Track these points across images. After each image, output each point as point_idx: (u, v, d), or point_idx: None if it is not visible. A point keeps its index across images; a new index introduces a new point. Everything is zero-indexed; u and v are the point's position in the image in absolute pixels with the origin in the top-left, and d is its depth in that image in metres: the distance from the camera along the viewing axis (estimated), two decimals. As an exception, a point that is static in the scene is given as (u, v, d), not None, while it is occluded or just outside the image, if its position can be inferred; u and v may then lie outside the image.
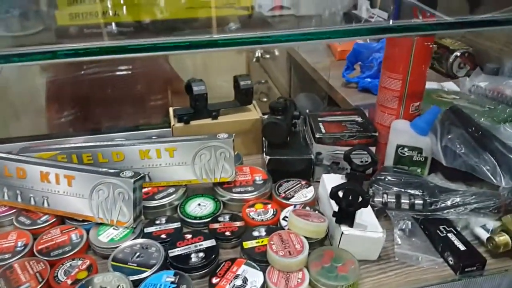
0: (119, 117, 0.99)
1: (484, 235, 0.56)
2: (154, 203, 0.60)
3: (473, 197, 0.58)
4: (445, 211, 0.58)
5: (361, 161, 0.65)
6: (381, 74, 0.67)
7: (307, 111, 0.75)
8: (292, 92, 1.61)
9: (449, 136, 0.62)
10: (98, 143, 0.63)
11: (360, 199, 0.51)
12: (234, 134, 0.63)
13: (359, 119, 0.71)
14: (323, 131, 0.67)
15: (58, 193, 0.57)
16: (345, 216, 0.52)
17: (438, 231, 0.57)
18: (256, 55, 1.91)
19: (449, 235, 0.56)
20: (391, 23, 0.44)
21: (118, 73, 1.10)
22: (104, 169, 0.56)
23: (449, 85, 0.99)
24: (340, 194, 0.52)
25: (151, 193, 0.62)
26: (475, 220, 0.58)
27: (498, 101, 0.79)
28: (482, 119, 0.68)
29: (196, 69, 1.56)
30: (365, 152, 0.58)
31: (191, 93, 0.72)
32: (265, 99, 1.71)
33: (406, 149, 0.63)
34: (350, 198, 0.51)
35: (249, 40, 0.38)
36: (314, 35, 0.40)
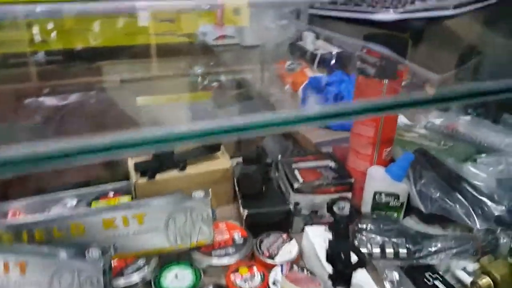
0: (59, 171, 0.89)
1: (466, 278, 0.57)
2: (124, 282, 0.53)
3: (453, 241, 0.59)
4: (429, 258, 0.58)
5: (339, 208, 0.64)
6: (354, 121, 0.67)
7: (279, 157, 0.73)
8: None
9: (422, 181, 0.63)
10: (51, 215, 0.55)
11: (357, 258, 0.49)
12: (210, 190, 0.58)
13: (332, 164, 0.70)
14: (300, 180, 0.65)
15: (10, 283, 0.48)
16: (341, 278, 0.50)
17: (425, 280, 0.57)
18: (204, 82, 1.88)
19: (436, 282, 0.56)
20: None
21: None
22: (63, 251, 0.48)
23: (400, 118, 1.03)
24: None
25: (119, 268, 0.55)
26: (456, 263, 0.59)
27: (454, 138, 0.83)
28: (448, 159, 0.70)
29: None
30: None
31: (156, 144, 0.67)
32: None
33: (383, 195, 0.63)
34: (345, 258, 0.50)
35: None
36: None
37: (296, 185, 0.64)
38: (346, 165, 0.71)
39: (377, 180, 0.63)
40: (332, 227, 0.55)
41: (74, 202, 0.66)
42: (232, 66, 1.76)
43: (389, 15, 0.49)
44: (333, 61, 1.46)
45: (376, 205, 0.64)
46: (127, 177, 0.74)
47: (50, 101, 1.26)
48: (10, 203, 0.62)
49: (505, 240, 0.59)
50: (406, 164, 0.63)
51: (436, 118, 0.90)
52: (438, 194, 0.61)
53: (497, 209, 0.60)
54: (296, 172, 0.67)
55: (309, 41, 1.57)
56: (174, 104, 1.66)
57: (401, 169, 0.63)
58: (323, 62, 1.45)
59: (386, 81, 0.62)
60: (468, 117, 0.89)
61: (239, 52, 1.79)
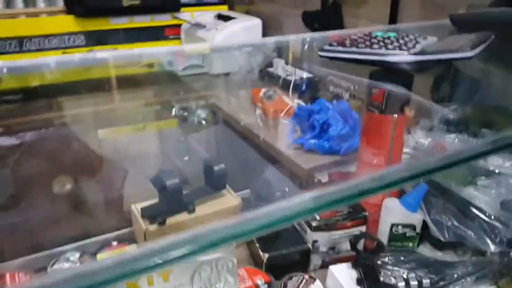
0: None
1: (488, 303, 0.58)
2: None
3: (471, 267, 0.60)
4: (451, 286, 0.59)
5: (350, 241, 0.64)
6: (362, 150, 0.67)
7: (286, 189, 0.72)
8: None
9: (435, 210, 0.64)
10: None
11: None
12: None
13: (341, 195, 0.70)
14: (317, 217, 0.64)
15: None
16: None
17: (451, 309, 0.57)
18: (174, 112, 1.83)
19: (461, 310, 0.57)
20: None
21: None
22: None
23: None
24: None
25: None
26: (475, 288, 0.60)
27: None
28: (450, 183, 0.72)
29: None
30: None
31: (163, 187, 0.63)
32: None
33: (400, 227, 0.64)
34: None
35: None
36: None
37: (314, 223, 0.63)
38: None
39: (393, 212, 0.64)
40: (358, 264, 0.55)
41: (77, 255, 0.61)
42: (201, 94, 1.74)
43: (403, 57, 0.50)
44: (305, 87, 1.49)
45: (393, 237, 0.64)
46: (127, 224, 0.70)
47: (5, 141, 1.18)
48: (7, 264, 0.55)
49: (519, 262, 0.61)
50: (421, 195, 0.64)
51: (423, 139, 0.93)
52: (452, 221, 0.63)
53: (508, 231, 0.62)
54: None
55: (280, 67, 1.59)
56: (140, 134, 1.61)
57: (415, 200, 0.64)
58: (297, 88, 1.47)
59: (395, 116, 0.63)
60: (453, 135, 0.93)
61: (208, 80, 1.77)
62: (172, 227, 0.63)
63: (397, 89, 0.63)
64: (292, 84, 1.44)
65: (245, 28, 1.78)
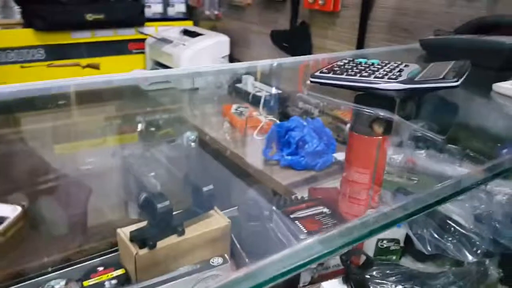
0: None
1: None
2: None
3: (452, 277, 0.64)
4: (436, 297, 0.62)
5: (341, 257, 0.66)
6: (347, 169, 0.70)
7: (274, 207, 0.73)
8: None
9: (417, 224, 0.68)
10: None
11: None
12: (226, 255, 0.56)
13: (326, 211, 0.72)
14: (305, 230, 0.65)
15: None
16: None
17: (437, 319, 0.60)
18: (138, 127, 1.80)
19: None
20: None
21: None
22: None
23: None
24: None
25: None
26: (456, 297, 0.64)
27: (417, 172, 0.91)
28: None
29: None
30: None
31: (153, 211, 0.62)
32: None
33: (385, 241, 0.67)
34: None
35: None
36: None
37: (302, 237, 0.64)
38: (337, 209, 0.73)
39: (378, 226, 0.66)
40: (349, 279, 0.57)
41: (63, 283, 0.58)
42: (167, 108, 1.73)
43: (394, 85, 0.53)
44: (275, 103, 1.52)
45: (379, 251, 0.67)
46: (111, 248, 0.68)
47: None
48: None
49: (493, 270, 0.65)
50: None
51: (395, 155, 0.98)
52: (432, 235, 0.66)
53: (483, 242, 0.66)
54: (297, 222, 0.68)
55: (249, 83, 1.62)
56: (101, 150, 1.57)
57: (397, 213, 0.67)
58: (267, 104, 1.49)
59: (380, 138, 0.66)
60: (422, 151, 0.98)
61: (175, 95, 1.76)
62: (162, 251, 0.62)
63: (382, 112, 0.66)
64: (262, 100, 1.46)
65: (213, 45, 1.80)
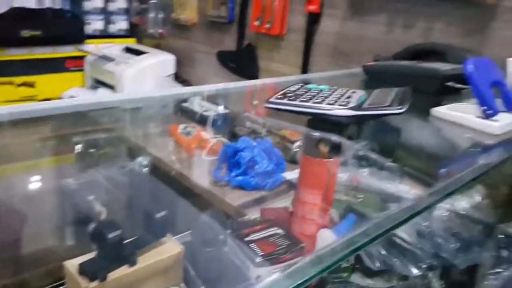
0: None
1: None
2: None
3: (401, 291, 0.67)
4: (386, 311, 0.65)
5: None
6: (300, 190, 0.71)
7: (228, 231, 0.73)
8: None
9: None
10: None
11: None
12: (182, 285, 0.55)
13: (280, 231, 0.73)
14: (260, 253, 0.66)
15: None
16: None
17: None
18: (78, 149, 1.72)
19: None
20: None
21: None
22: None
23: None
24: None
25: None
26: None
27: (362, 190, 0.95)
28: (367, 212, 0.80)
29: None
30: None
31: (104, 240, 0.59)
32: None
33: (337, 259, 0.69)
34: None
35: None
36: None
37: (258, 259, 0.64)
38: (291, 230, 0.74)
39: (330, 242, 0.68)
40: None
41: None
42: (110, 127, 1.67)
43: (344, 112, 0.56)
44: (223, 122, 1.53)
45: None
46: (57, 281, 0.64)
47: None
48: None
49: (436, 283, 0.70)
50: (351, 224, 0.70)
51: (341, 174, 1.01)
52: (380, 251, 0.70)
53: (425, 256, 0.71)
54: (253, 245, 0.68)
55: (196, 103, 1.61)
56: (35, 172, 1.48)
57: (347, 229, 0.69)
58: (214, 123, 1.50)
59: (331, 160, 0.68)
60: (365, 169, 1.03)
61: (118, 114, 1.71)
62: (113, 283, 0.60)
63: (332, 136, 0.69)
64: (210, 120, 1.46)
65: (157, 63, 1.77)
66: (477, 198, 0.74)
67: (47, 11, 1.69)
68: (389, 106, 0.54)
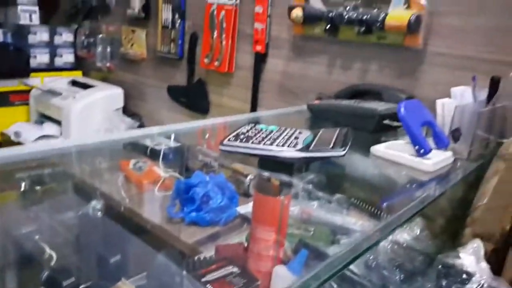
0: None
1: None
2: None
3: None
4: None
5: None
6: (254, 227, 0.74)
7: (184, 272, 0.73)
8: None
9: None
10: None
11: None
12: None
13: (236, 270, 0.74)
14: (215, 292, 0.67)
15: None
16: None
17: None
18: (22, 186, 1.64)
19: None
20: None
21: None
22: None
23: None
24: None
25: None
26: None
27: (313, 223, 0.99)
28: (317, 245, 0.84)
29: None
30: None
31: (58, 287, 0.58)
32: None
33: (291, 292, 0.71)
34: None
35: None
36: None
37: (216, 300, 0.66)
38: (246, 267, 0.76)
39: (283, 279, 0.71)
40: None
41: None
42: (54, 163, 1.61)
43: (292, 153, 0.61)
44: (175, 156, 1.53)
45: (286, 303, 0.71)
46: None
47: None
48: None
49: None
50: (303, 259, 0.73)
51: (292, 207, 1.05)
52: (331, 284, 0.73)
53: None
54: (209, 286, 0.69)
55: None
56: None
57: (300, 265, 0.73)
58: (166, 157, 1.49)
59: (283, 198, 0.72)
60: (314, 202, 1.08)
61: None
62: (68, 332, 0.58)
63: (282, 174, 0.73)
64: (161, 154, 1.46)
65: (106, 97, 1.76)
66: (416, 229, 0.80)
67: (-11, 44, 1.63)
68: (332, 148, 0.59)
